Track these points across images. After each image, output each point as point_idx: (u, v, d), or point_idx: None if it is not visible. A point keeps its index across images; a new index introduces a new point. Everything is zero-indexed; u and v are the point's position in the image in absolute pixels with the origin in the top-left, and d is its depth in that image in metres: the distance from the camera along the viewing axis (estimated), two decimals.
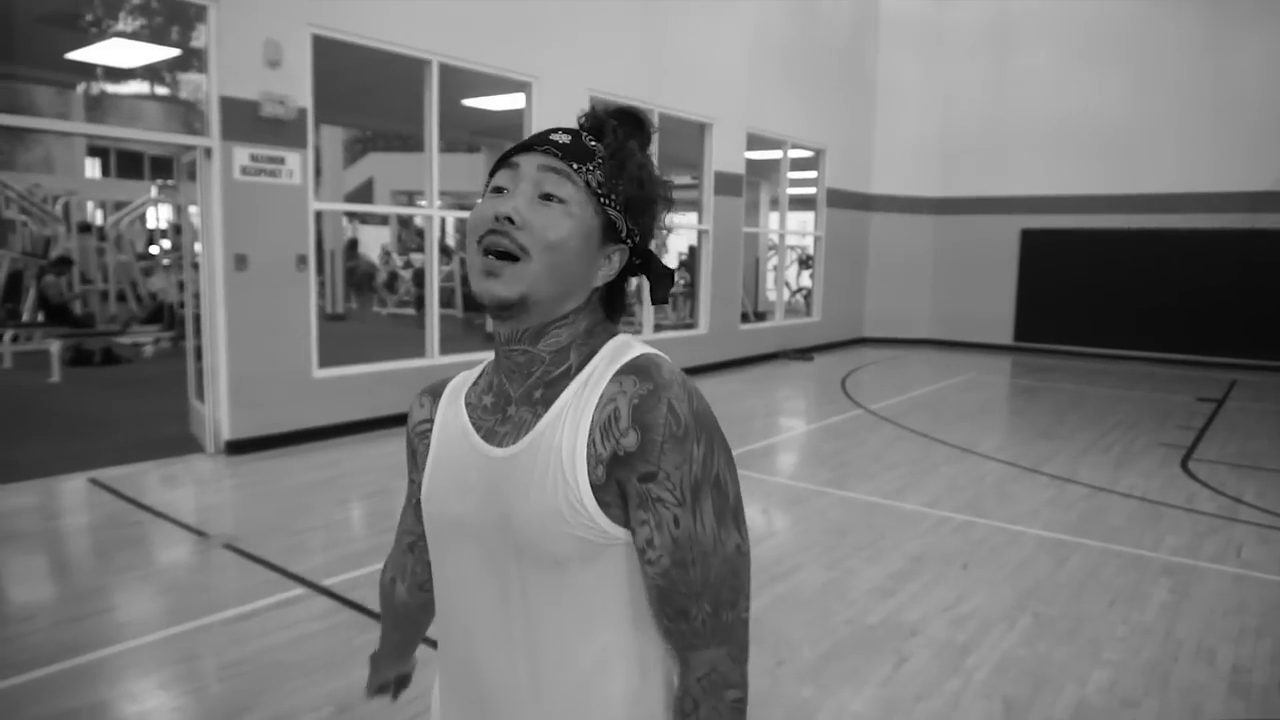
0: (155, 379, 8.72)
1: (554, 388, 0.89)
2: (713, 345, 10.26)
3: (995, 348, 13.11)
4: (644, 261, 0.94)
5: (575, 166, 0.86)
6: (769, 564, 3.97)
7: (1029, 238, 12.80)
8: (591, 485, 0.83)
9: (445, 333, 7.22)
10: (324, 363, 6.28)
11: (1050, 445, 6.63)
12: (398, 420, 6.45)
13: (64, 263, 10.93)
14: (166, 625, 3.23)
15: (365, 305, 18.89)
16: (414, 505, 1.08)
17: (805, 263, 18.12)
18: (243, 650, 3.03)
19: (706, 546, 0.84)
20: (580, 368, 0.89)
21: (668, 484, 0.83)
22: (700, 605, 0.84)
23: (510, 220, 0.84)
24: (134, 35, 7.60)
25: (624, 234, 0.90)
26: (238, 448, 5.77)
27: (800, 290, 18.72)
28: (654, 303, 0.95)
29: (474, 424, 0.92)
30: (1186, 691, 2.87)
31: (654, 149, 0.95)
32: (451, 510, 0.92)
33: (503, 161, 0.90)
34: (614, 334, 0.93)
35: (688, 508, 0.83)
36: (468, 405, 0.95)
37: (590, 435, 0.84)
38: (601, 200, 0.87)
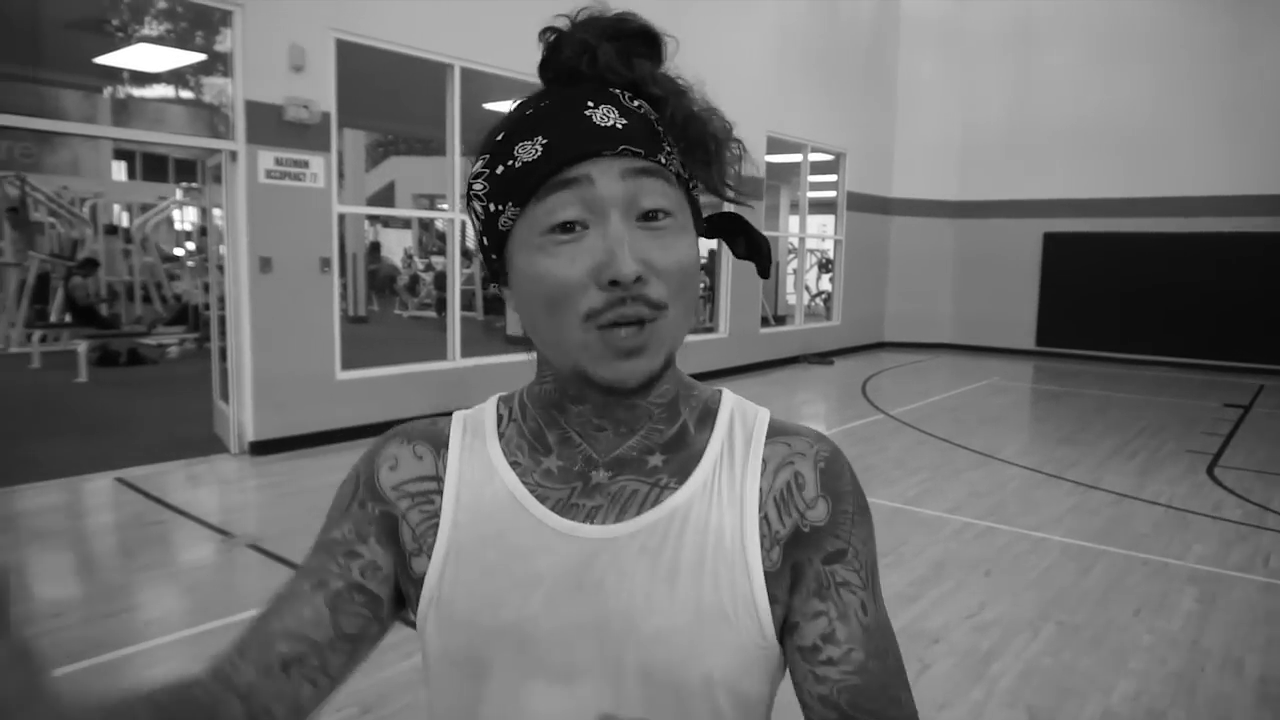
0: (180, 380, 8.82)
1: (680, 451, 0.69)
2: (733, 349, 10.24)
3: (1017, 352, 13.00)
4: (726, 226, 0.72)
5: (661, 159, 0.63)
6: None
7: (1052, 241, 12.69)
8: (765, 574, 0.66)
9: (466, 335, 7.25)
10: (347, 365, 6.33)
11: (1074, 451, 6.56)
12: None
13: (91, 264, 11.09)
14: (191, 624, 3.26)
15: (387, 308, 19.03)
16: (333, 594, 0.68)
17: (825, 266, 18.05)
18: None
19: (890, 631, 0.68)
20: (701, 426, 0.70)
21: (855, 564, 0.67)
22: (906, 690, 0.68)
23: (639, 279, 0.60)
24: (160, 40, 7.70)
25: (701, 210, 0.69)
26: (261, 448, 5.82)
27: (820, 294, 18.65)
28: (761, 275, 0.72)
29: (531, 490, 0.68)
30: (1214, 702, 2.83)
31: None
32: (504, 615, 0.65)
33: (549, 175, 0.61)
34: (685, 375, 0.73)
35: (870, 591, 0.67)
36: (514, 465, 0.69)
37: (762, 510, 0.67)
38: (692, 187, 0.66)
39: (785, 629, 0.67)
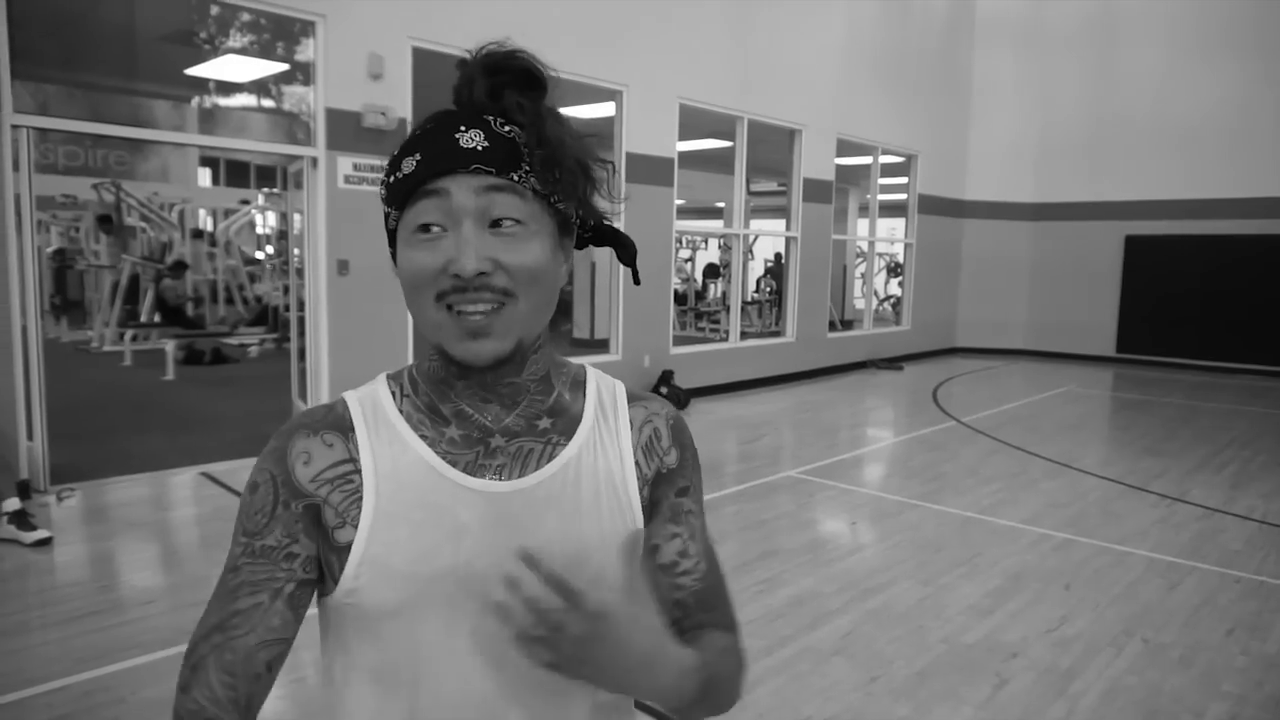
0: (260, 379, 9.13)
1: (562, 415, 0.82)
2: (800, 353, 10.13)
3: (1096, 359, 12.55)
4: (598, 233, 0.85)
5: (515, 177, 0.73)
6: (860, 578, 3.89)
7: (1133, 244, 12.23)
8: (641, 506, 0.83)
9: None
10: None
11: (1158, 462, 6.31)
12: None
13: (180, 266, 11.56)
14: None
15: None
16: (288, 597, 0.75)
17: (894, 270, 17.75)
18: None
19: (714, 548, 0.89)
20: (575, 393, 0.84)
21: (696, 496, 0.87)
22: (727, 592, 0.88)
23: (482, 273, 0.71)
24: (244, 51, 7.98)
25: (575, 220, 0.80)
26: None
27: (888, 298, 18.34)
28: (634, 276, 0.89)
29: (443, 456, 0.77)
30: None
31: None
32: (439, 562, 0.74)
33: (416, 186, 0.73)
34: (556, 355, 0.87)
35: (702, 519, 0.87)
36: (422, 437, 0.78)
37: (635, 458, 0.83)
38: (552, 200, 0.75)
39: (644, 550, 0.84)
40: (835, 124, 10.23)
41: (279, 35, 7.24)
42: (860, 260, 16.32)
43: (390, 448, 0.77)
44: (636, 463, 0.83)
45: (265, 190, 16.72)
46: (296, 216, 6.67)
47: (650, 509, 0.83)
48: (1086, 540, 4.48)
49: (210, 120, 10.66)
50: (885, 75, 11.09)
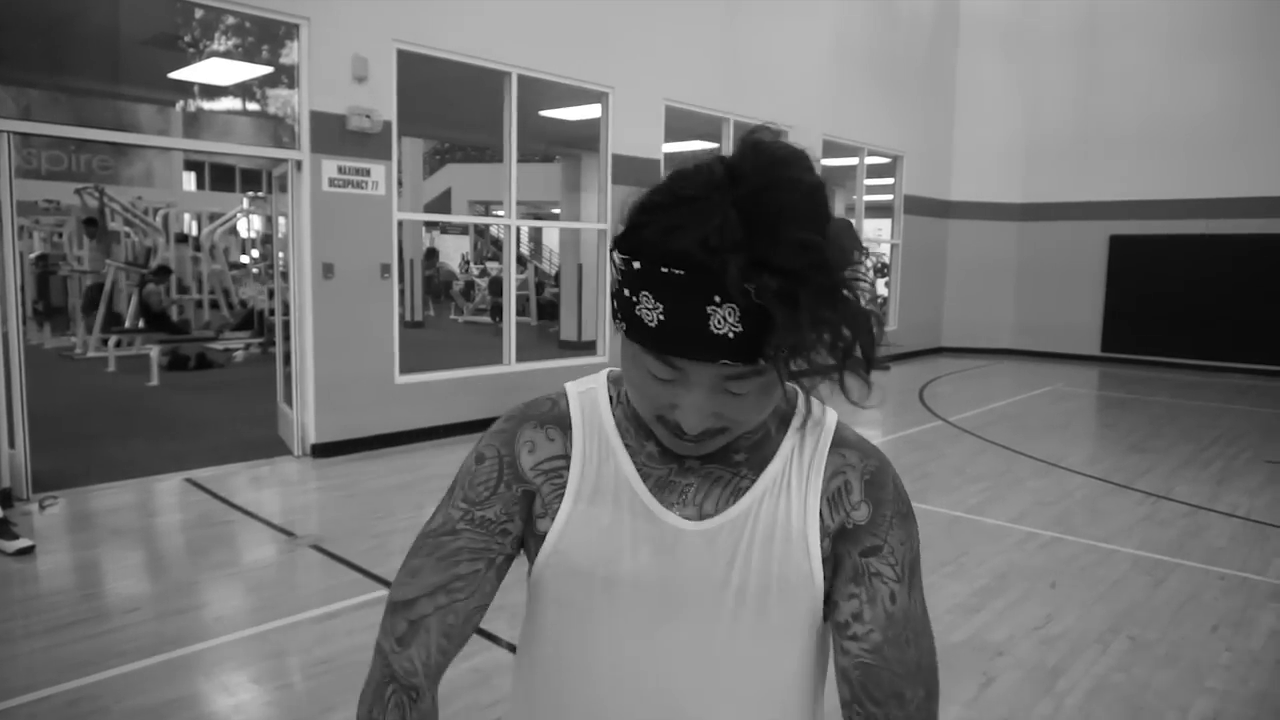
0: (245, 383, 9.08)
1: (758, 451, 0.82)
2: None
3: (1082, 358, 12.63)
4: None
5: (759, 363, 0.67)
6: None
7: (1118, 244, 12.32)
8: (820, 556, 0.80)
9: (521, 340, 7.32)
10: (405, 369, 6.44)
11: (1143, 460, 6.35)
12: (476, 426, 6.56)
13: (164, 271, 11.48)
14: (257, 622, 3.34)
15: (443, 313, 19.32)
16: (499, 567, 0.83)
17: (881, 270, 17.83)
18: (329, 649, 3.12)
19: (920, 627, 0.79)
20: (780, 428, 0.83)
21: (890, 559, 0.79)
22: (915, 689, 0.77)
23: (704, 432, 0.73)
24: (229, 54, 7.94)
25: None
26: (323, 451, 5.96)
27: (875, 298, 18.37)
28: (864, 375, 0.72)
29: (639, 469, 0.81)
30: None
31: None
32: (619, 566, 0.80)
33: (650, 346, 0.69)
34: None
35: (905, 585, 0.79)
36: (626, 446, 0.82)
37: (820, 507, 0.80)
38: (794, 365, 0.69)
39: (827, 608, 0.81)
40: (821, 125, 10.26)
41: (263, 38, 7.20)
42: None
43: (598, 451, 0.82)
44: (820, 512, 0.80)
45: (250, 194, 16.63)
46: (281, 220, 6.64)
47: (834, 565, 0.80)
48: (1073, 538, 4.50)
49: (194, 124, 10.60)
50: (871, 76, 11.14)
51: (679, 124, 8.70)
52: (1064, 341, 12.84)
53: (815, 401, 0.83)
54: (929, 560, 4.15)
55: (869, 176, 11.72)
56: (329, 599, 3.55)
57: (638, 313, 0.68)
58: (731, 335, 0.65)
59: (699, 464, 0.81)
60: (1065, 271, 12.81)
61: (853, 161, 11.50)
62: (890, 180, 12.56)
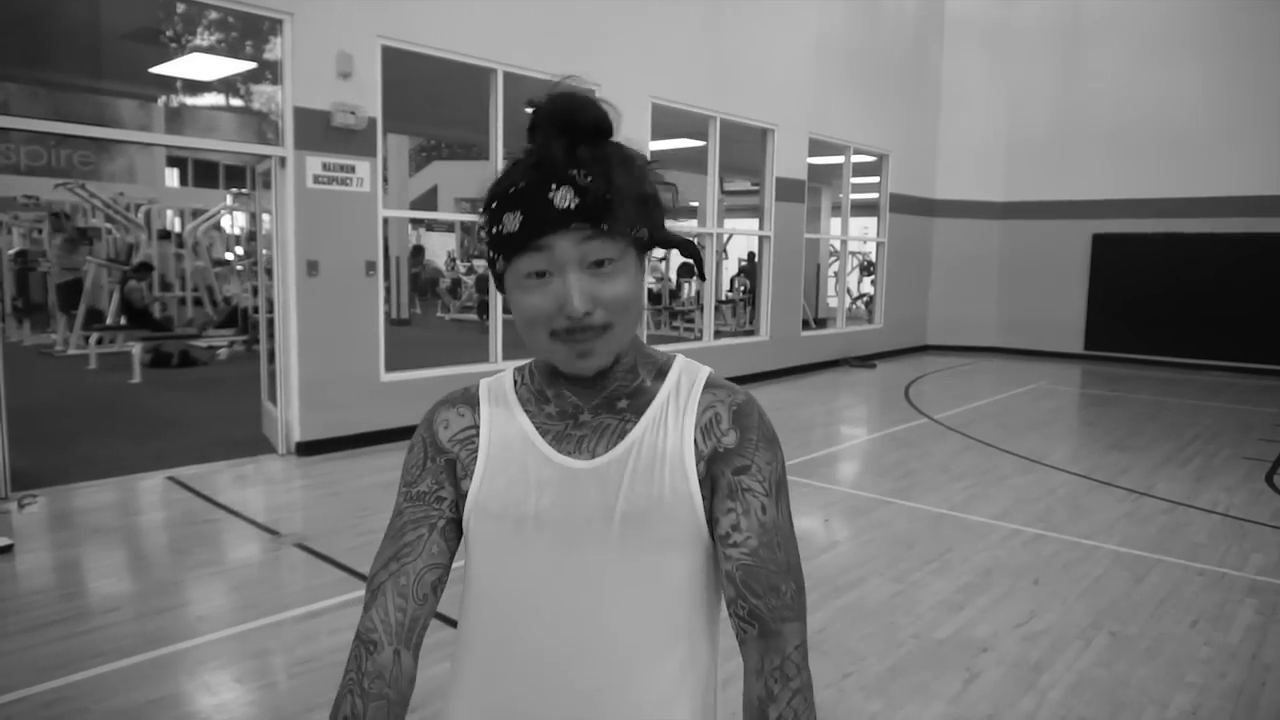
0: (229, 381, 9.01)
1: (638, 398, 0.96)
2: (774, 352, 10.18)
3: (1065, 356, 12.73)
4: (667, 244, 0.97)
5: (604, 225, 0.85)
6: (833, 575, 3.91)
7: (1100, 242, 12.42)
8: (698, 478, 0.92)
9: (507, 338, 7.30)
10: (391, 367, 6.41)
11: (1125, 457, 6.40)
12: None
13: (145, 268, 11.37)
14: (240, 621, 3.32)
15: (429, 310, 19.25)
16: (441, 529, 0.96)
17: (866, 269, 17.87)
18: (312, 648, 3.10)
19: (787, 533, 0.92)
20: (656, 380, 0.97)
21: (759, 476, 0.92)
22: (788, 582, 0.90)
23: (588, 313, 0.86)
24: (212, 49, 7.87)
25: (648, 239, 0.94)
26: (307, 449, 5.92)
27: (861, 297, 18.46)
28: (700, 277, 0.99)
29: (538, 428, 0.96)
30: (1276, 717, 2.74)
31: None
32: (526, 507, 0.93)
33: (525, 242, 0.86)
34: (645, 349, 1.00)
35: (773, 499, 0.92)
36: (527, 411, 0.97)
37: (694, 436, 0.93)
38: (632, 232, 0.88)
39: (711, 526, 0.92)
40: (807, 124, 10.29)
41: (246, 33, 7.15)
42: (833, 259, 16.42)
43: (503, 419, 0.97)
44: (695, 441, 0.92)
45: (234, 190, 16.50)
46: (265, 217, 6.59)
47: (711, 486, 0.92)
48: (1055, 535, 4.54)
49: (177, 119, 10.51)
50: (856, 75, 11.17)
51: (665, 121, 8.70)
52: (1048, 339, 12.93)
53: (688, 360, 0.99)
54: (913, 556, 4.18)
55: (855, 175, 11.75)
56: (313, 598, 3.53)
57: (505, 234, 0.87)
58: (573, 207, 0.84)
59: (591, 417, 0.94)
60: (1049, 270, 12.90)
61: (839, 160, 11.54)
62: (876, 179, 12.60)
